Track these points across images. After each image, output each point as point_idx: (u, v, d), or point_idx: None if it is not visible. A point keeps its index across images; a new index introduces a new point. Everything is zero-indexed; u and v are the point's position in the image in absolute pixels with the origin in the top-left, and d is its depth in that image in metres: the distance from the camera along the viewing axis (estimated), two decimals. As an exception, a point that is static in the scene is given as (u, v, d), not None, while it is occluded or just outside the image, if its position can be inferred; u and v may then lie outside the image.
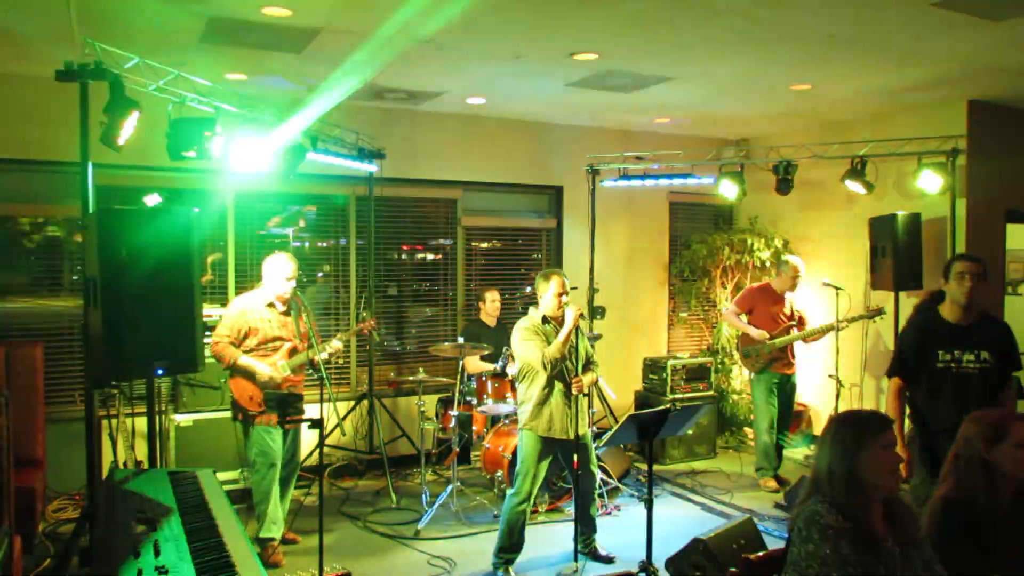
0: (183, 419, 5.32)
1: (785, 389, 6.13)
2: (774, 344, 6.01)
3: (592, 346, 4.86)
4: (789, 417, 6.23)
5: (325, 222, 6.59)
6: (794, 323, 6.11)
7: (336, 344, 4.84)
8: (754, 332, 6.05)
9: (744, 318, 6.20)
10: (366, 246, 6.42)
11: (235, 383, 4.58)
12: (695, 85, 5.72)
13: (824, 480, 2.27)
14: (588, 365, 4.55)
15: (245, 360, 4.52)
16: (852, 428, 2.30)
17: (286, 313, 4.71)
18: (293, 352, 4.68)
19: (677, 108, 6.62)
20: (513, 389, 5.56)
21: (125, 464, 5.00)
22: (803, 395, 7.50)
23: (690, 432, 6.67)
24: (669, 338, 8.04)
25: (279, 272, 4.63)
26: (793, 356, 6.15)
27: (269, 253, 6.15)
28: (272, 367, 4.57)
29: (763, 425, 6.09)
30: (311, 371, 4.92)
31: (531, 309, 4.54)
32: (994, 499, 2.46)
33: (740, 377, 7.47)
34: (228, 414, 4.79)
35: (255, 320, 4.61)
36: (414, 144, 6.63)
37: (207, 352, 4.34)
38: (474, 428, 5.98)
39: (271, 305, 4.67)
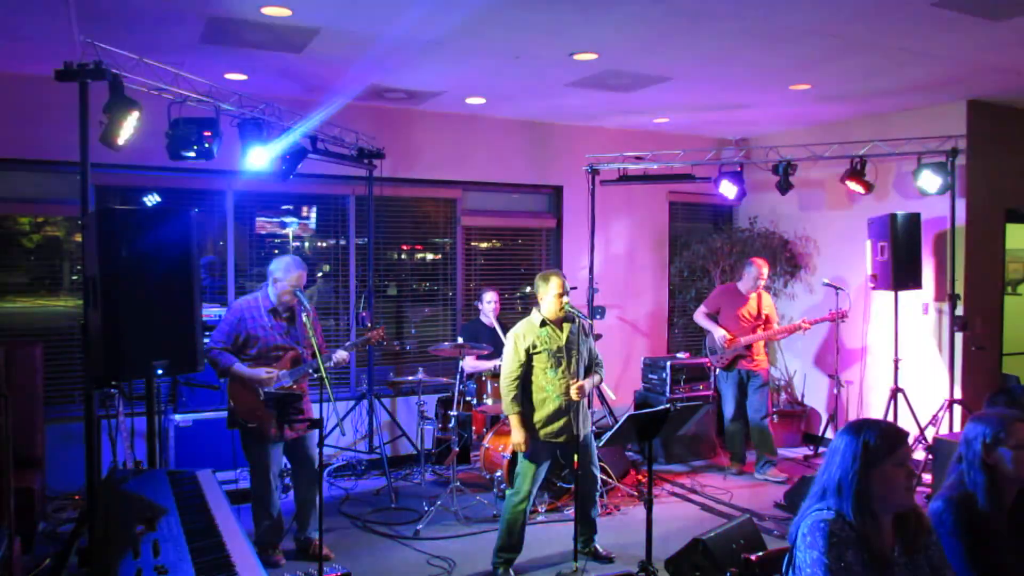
0: (182, 419, 5.32)
1: (750, 384, 6.32)
2: (736, 343, 6.16)
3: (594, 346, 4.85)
4: (764, 410, 6.36)
5: (325, 222, 6.58)
6: (760, 323, 6.27)
7: (342, 354, 4.67)
8: (716, 333, 6.27)
9: (712, 319, 6.42)
10: (365, 246, 6.42)
11: (233, 392, 4.43)
12: (695, 85, 5.72)
13: (833, 491, 2.20)
14: (592, 366, 4.56)
15: (240, 368, 4.34)
16: (866, 442, 2.20)
17: (289, 320, 4.56)
18: (296, 361, 4.52)
19: (677, 108, 6.62)
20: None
21: (125, 464, 4.99)
22: (802, 395, 7.52)
23: (690, 432, 6.68)
24: (669, 338, 8.05)
25: (290, 278, 4.42)
26: (758, 354, 6.31)
27: (268, 253, 6.18)
28: (271, 378, 4.40)
29: (728, 416, 6.41)
30: (312, 372, 4.88)
31: (533, 311, 4.53)
32: (996, 500, 2.45)
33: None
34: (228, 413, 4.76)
35: (255, 328, 4.42)
36: (414, 144, 6.63)
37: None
38: (473, 428, 5.99)
39: (273, 311, 4.50)
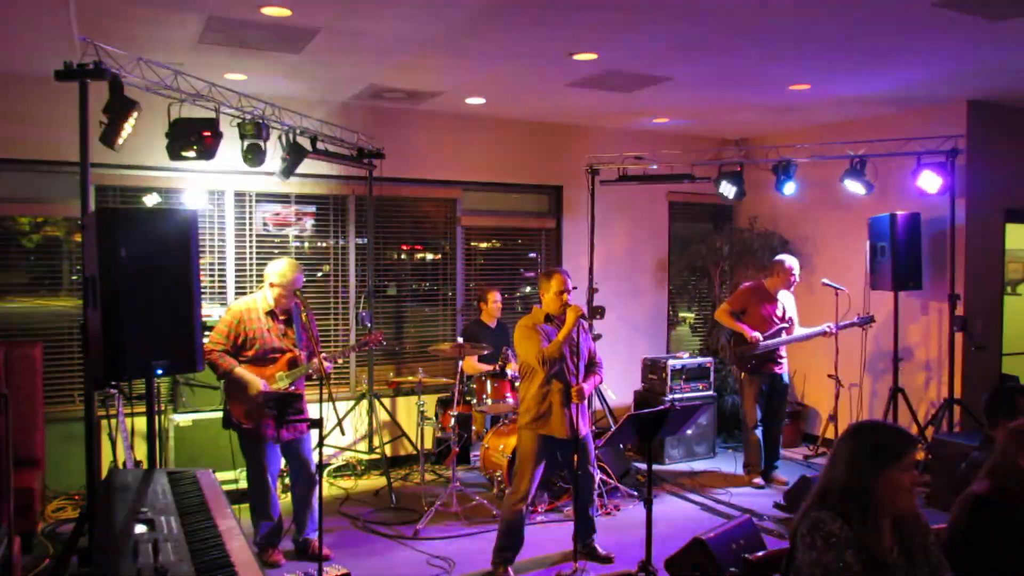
0: (182, 419, 5.32)
1: (777, 389, 6.14)
2: (767, 345, 5.99)
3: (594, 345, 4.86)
4: (782, 415, 6.23)
5: (324, 222, 6.59)
6: (786, 324, 6.07)
7: (337, 360, 4.65)
8: (748, 333, 5.98)
9: (735, 318, 6.14)
10: (365, 246, 6.42)
11: (231, 392, 4.42)
12: (695, 85, 5.72)
13: (836, 494, 2.19)
14: (592, 366, 4.56)
15: (240, 371, 4.34)
16: (873, 446, 2.19)
17: (287, 322, 4.56)
18: (293, 363, 4.52)
19: (677, 108, 6.63)
20: (513, 389, 5.56)
21: (124, 464, 5.00)
22: (802, 395, 7.52)
23: (690, 432, 6.67)
24: (669, 338, 8.05)
25: (285, 282, 4.43)
26: (783, 356, 6.14)
27: (268, 253, 6.17)
28: (269, 381, 4.41)
29: (751, 424, 6.13)
30: (312, 372, 4.87)
31: (535, 308, 4.54)
32: None
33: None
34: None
35: (253, 329, 4.42)
36: (413, 144, 6.63)
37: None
38: (473, 428, 5.98)
39: (270, 313, 4.51)
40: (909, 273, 6.02)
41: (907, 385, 6.25)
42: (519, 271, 7.52)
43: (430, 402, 6.40)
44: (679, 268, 7.88)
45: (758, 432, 6.13)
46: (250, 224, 6.21)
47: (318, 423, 3.66)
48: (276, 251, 6.23)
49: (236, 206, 6.11)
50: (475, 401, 5.72)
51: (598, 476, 5.08)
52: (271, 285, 4.48)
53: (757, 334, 5.97)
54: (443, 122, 6.74)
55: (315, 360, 4.47)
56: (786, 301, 6.18)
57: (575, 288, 4.57)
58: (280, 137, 5.25)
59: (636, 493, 5.73)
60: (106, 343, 3.16)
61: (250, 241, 6.19)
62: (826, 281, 6.35)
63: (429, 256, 7.12)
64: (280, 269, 4.47)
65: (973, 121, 6.09)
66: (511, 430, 5.50)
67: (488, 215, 7.22)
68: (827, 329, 6.01)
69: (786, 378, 6.21)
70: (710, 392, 6.89)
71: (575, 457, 4.38)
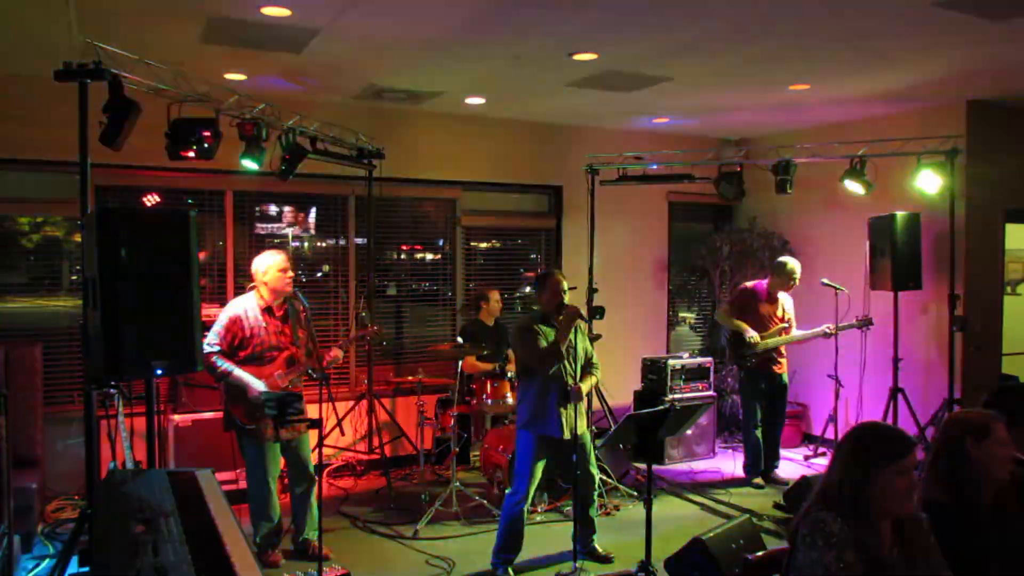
0: (182, 419, 5.31)
1: (776, 389, 6.14)
2: (766, 344, 5.99)
3: (592, 346, 4.86)
4: (782, 415, 6.23)
5: (325, 222, 6.58)
6: (785, 324, 6.08)
7: (336, 352, 4.65)
8: (747, 332, 5.99)
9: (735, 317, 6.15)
10: (365, 246, 6.42)
11: (230, 393, 4.41)
12: (695, 85, 5.72)
13: (834, 494, 2.21)
14: (588, 367, 4.56)
15: (239, 374, 4.33)
16: (871, 448, 2.21)
17: (283, 319, 4.55)
18: (291, 361, 4.51)
19: (677, 108, 6.62)
20: (512, 389, 5.56)
21: (124, 464, 4.99)
22: (802, 395, 7.51)
23: (690, 432, 6.67)
24: (669, 338, 8.04)
25: (274, 271, 4.41)
26: (782, 356, 6.14)
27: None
28: (268, 380, 4.39)
29: (751, 423, 6.13)
30: (311, 371, 4.86)
31: (531, 310, 4.54)
32: (976, 500, 2.44)
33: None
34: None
35: (250, 328, 4.41)
36: (413, 144, 6.63)
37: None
38: (473, 428, 5.98)
39: (267, 311, 4.48)
40: (909, 273, 6.02)
41: (907, 385, 6.24)
42: (519, 271, 7.51)
43: (430, 402, 6.40)
44: (679, 268, 7.88)
45: (758, 432, 6.15)
46: (250, 224, 6.21)
47: (318, 423, 3.66)
48: (265, 250, 6.21)
49: (236, 206, 6.11)
50: (475, 401, 5.72)
51: (598, 476, 5.08)
52: (265, 279, 4.45)
53: (755, 334, 5.98)
54: (443, 122, 6.74)
55: (314, 358, 4.45)
56: (785, 302, 6.19)
57: (574, 288, 4.57)
58: (280, 137, 5.25)
59: (636, 493, 5.73)
60: (106, 343, 3.15)
61: (250, 241, 6.19)
62: (825, 281, 6.35)
63: (429, 256, 7.12)
64: (264, 262, 4.46)
65: (973, 121, 6.09)
66: (511, 430, 5.50)
67: (488, 215, 7.22)
68: (827, 330, 6.03)
69: (785, 378, 6.22)
70: (710, 392, 6.88)
71: (574, 457, 4.38)
